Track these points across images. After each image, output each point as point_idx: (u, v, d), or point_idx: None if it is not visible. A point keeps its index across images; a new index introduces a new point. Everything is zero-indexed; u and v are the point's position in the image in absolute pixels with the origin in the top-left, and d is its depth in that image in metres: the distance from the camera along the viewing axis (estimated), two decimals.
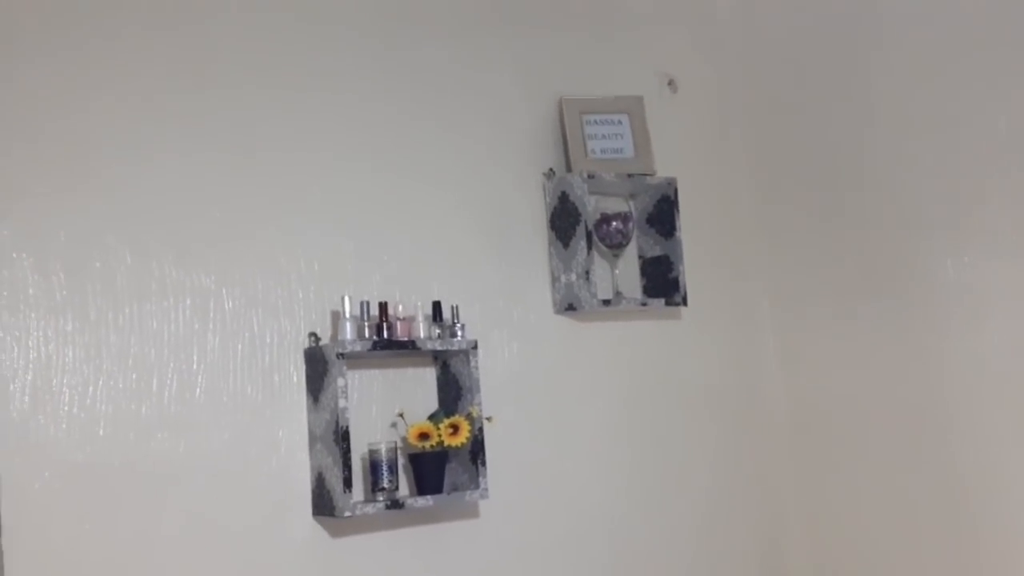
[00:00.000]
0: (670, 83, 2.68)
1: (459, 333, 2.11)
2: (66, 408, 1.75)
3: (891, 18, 2.44)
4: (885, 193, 2.45)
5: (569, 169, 2.43)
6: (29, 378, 1.72)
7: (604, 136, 2.49)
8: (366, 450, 2.00)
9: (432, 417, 2.06)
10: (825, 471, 2.58)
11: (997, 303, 2.23)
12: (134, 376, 1.82)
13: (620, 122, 2.52)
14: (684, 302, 2.46)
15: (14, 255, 1.74)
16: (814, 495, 2.61)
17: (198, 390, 1.88)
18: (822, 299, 2.60)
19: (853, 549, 2.52)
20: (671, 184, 2.48)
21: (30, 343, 1.73)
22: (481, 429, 2.06)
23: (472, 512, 2.15)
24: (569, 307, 2.35)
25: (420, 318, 2.08)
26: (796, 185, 2.67)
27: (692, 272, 2.51)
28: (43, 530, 1.70)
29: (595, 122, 2.49)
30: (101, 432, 1.77)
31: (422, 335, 2.07)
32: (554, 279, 2.38)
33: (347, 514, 1.87)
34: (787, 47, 2.69)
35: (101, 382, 1.79)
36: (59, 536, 1.71)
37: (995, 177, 2.23)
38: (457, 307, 2.13)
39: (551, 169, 2.42)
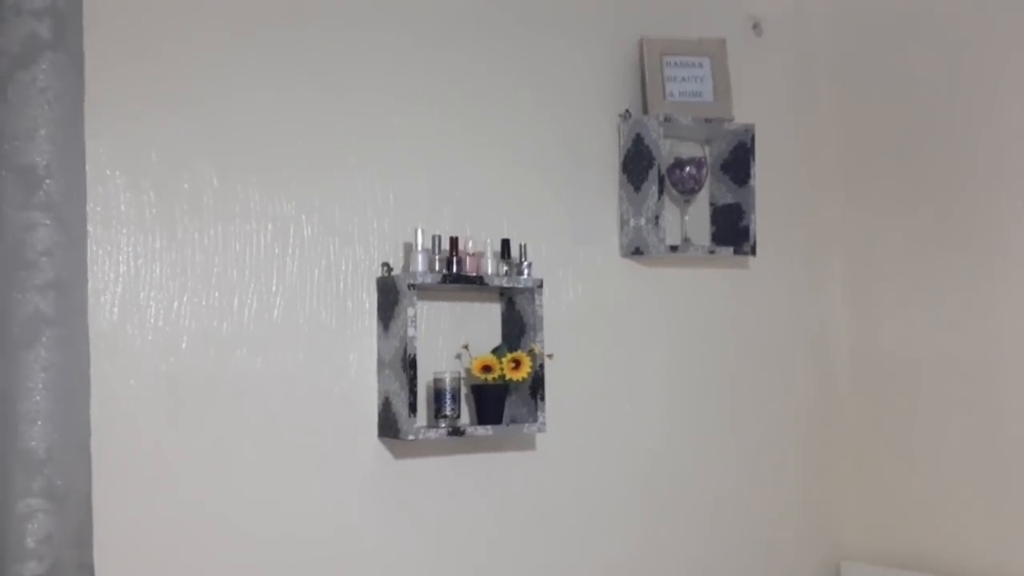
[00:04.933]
0: (755, 26, 2.64)
1: (526, 271, 2.15)
2: (152, 321, 1.85)
3: None
4: (967, 149, 2.40)
5: (646, 111, 2.42)
6: (119, 291, 1.82)
7: (684, 79, 2.47)
8: (431, 378, 2.08)
9: (496, 351, 2.13)
10: (884, 425, 2.59)
11: None
12: (216, 294, 1.91)
13: (701, 65, 2.49)
14: (753, 252, 2.46)
15: (108, 172, 1.82)
16: (872, 448, 2.62)
17: (276, 311, 1.97)
18: (895, 256, 2.57)
19: (906, 501, 2.54)
20: (748, 131, 2.45)
21: (120, 258, 1.83)
22: (542, 366, 2.12)
23: (529, 444, 2.22)
24: (636, 251, 2.37)
25: (488, 254, 2.13)
26: (878, 138, 2.62)
27: (763, 222, 2.50)
28: (128, 434, 1.81)
29: (675, 64, 2.47)
30: (184, 346, 1.87)
31: (490, 271, 2.12)
32: (623, 222, 2.40)
33: (411, 437, 1.96)
34: None
35: (186, 298, 1.88)
36: (143, 440, 1.83)
37: None
38: (525, 245, 2.17)
39: (627, 110, 2.42)
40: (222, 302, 1.92)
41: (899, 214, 2.56)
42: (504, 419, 2.11)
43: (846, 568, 2.60)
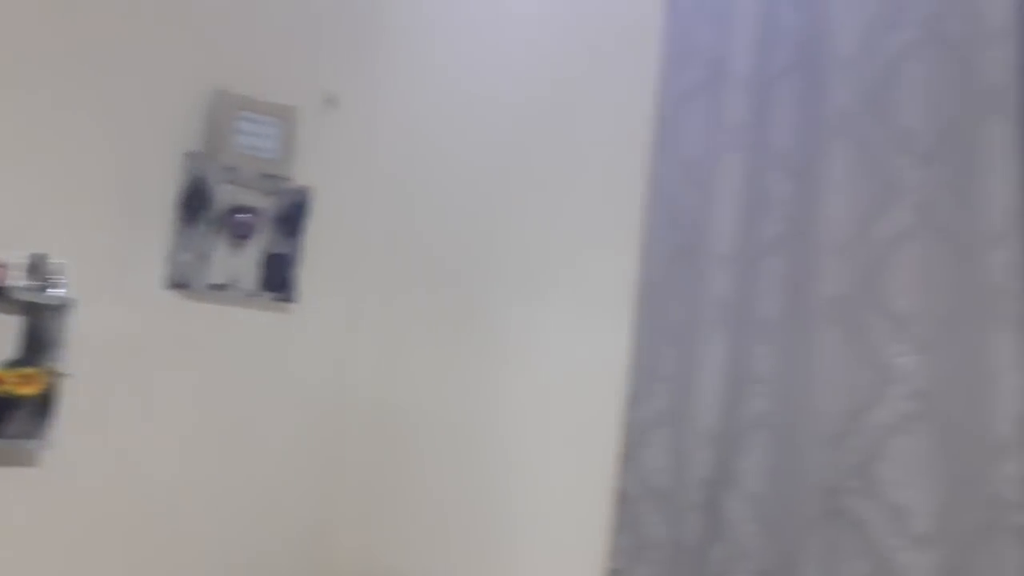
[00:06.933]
0: (329, 100, 2.89)
1: (55, 288, 2.18)
2: None
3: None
4: (471, 239, 2.83)
5: (211, 157, 2.57)
6: None
7: (253, 134, 2.66)
8: None
9: (9, 365, 2.12)
10: (386, 470, 2.91)
11: (547, 349, 2.68)
12: None
13: (272, 125, 2.70)
14: (293, 299, 2.69)
15: None
16: (372, 482, 2.91)
17: None
18: (410, 324, 2.93)
19: (397, 536, 2.87)
20: (305, 192, 2.70)
21: None
22: (57, 384, 2.15)
23: (32, 461, 2.23)
24: (179, 284, 2.49)
25: (19, 267, 2.14)
26: (427, 214, 2.98)
27: (309, 275, 2.74)
28: None
29: (247, 119, 2.66)
30: None
31: (21, 284, 2.13)
32: (171, 256, 2.51)
33: None
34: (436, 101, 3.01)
35: None
36: None
37: (559, 244, 2.67)
38: (62, 263, 2.21)
39: (192, 151, 2.56)
40: None
41: (412, 292, 2.93)
42: (7, 433, 2.11)
43: None
